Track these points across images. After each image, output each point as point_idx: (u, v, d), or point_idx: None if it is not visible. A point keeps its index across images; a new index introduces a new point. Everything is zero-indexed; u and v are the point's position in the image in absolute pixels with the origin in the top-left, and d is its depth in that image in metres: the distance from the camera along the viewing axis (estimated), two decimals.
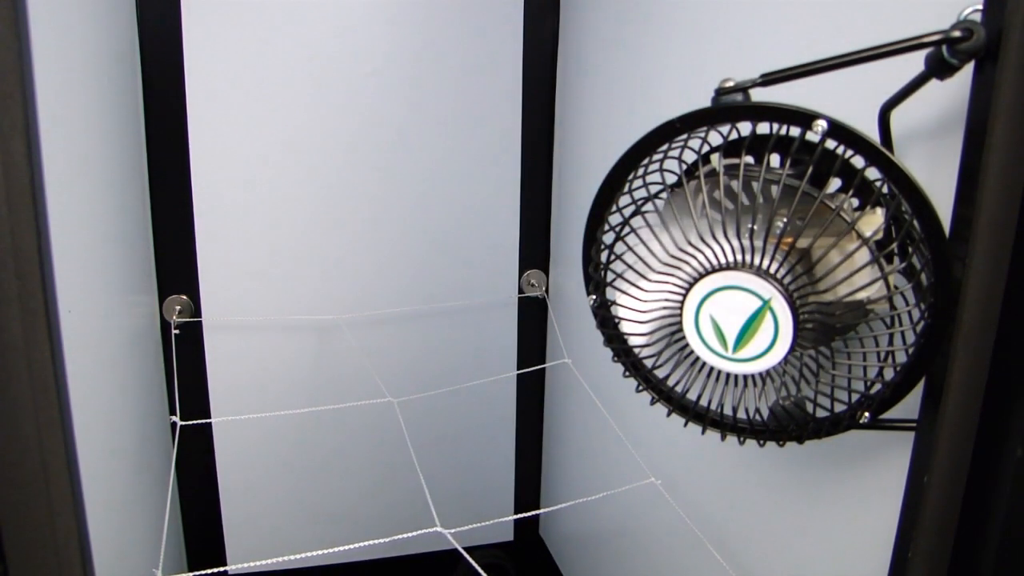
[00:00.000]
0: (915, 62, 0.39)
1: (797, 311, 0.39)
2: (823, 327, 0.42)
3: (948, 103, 0.42)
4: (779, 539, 0.65)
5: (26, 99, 0.39)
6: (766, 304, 0.39)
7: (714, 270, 0.41)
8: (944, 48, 0.36)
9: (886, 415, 0.44)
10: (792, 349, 0.40)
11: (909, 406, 0.43)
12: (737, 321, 0.40)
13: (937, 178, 0.42)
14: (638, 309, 0.47)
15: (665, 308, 0.46)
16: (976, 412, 0.39)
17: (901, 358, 0.42)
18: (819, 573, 0.60)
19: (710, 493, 0.76)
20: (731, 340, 0.41)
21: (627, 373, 0.52)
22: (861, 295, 0.40)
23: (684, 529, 0.77)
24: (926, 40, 0.36)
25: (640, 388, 0.52)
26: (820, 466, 0.59)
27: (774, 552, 0.66)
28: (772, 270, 0.40)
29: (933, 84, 0.40)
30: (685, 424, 0.50)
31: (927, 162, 0.44)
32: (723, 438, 0.49)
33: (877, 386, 0.43)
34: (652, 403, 0.52)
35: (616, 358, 0.52)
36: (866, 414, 0.43)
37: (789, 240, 0.41)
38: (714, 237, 0.40)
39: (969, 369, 0.38)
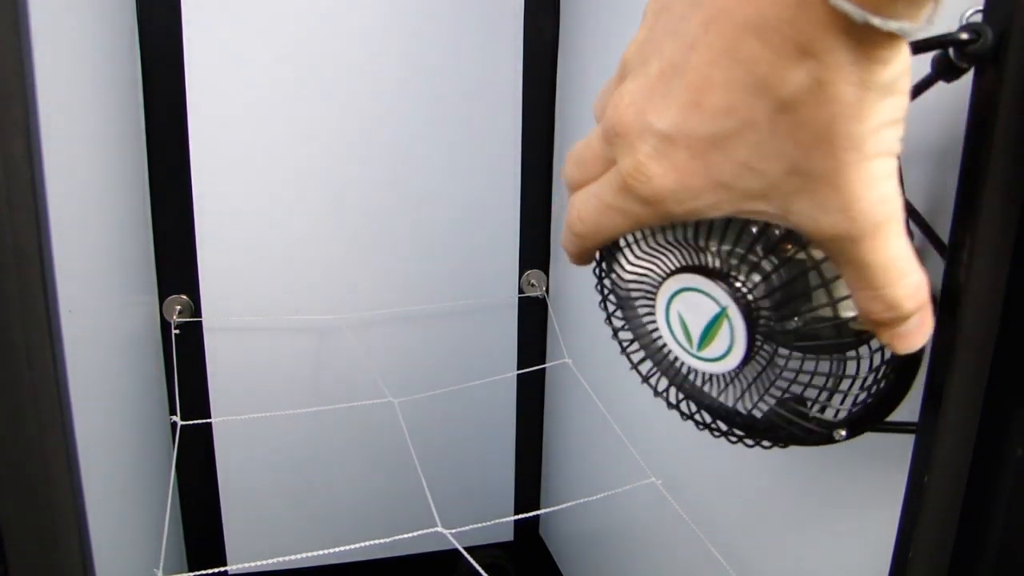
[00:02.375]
0: (916, 63, 0.39)
1: (753, 324, 0.38)
2: (784, 340, 0.41)
3: (948, 103, 0.42)
4: (780, 539, 0.65)
5: (26, 99, 0.39)
6: (723, 311, 0.39)
7: (680, 270, 0.41)
8: (951, 51, 0.36)
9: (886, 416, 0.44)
10: (747, 359, 0.40)
11: (909, 406, 0.43)
12: (700, 322, 0.41)
13: (937, 179, 0.42)
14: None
15: (646, 299, 0.46)
16: (976, 413, 0.39)
17: (869, 381, 0.42)
18: (819, 572, 0.60)
19: (711, 493, 0.76)
20: (695, 338, 0.41)
21: (632, 367, 0.52)
22: (825, 312, 0.39)
23: (685, 529, 0.77)
24: (933, 42, 0.36)
25: (644, 380, 0.52)
26: (820, 466, 0.59)
27: (774, 552, 0.66)
28: (733, 278, 0.39)
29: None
30: (683, 419, 0.51)
31: (927, 163, 0.44)
32: (709, 431, 0.49)
33: (848, 405, 0.43)
34: (655, 396, 0.52)
35: (623, 351, 0.52)
36: (842, 432, 0.43)
37: (766, 248, 0.40)
38: (685, 238, 0.40)
39: (969, 370, 0.38)
